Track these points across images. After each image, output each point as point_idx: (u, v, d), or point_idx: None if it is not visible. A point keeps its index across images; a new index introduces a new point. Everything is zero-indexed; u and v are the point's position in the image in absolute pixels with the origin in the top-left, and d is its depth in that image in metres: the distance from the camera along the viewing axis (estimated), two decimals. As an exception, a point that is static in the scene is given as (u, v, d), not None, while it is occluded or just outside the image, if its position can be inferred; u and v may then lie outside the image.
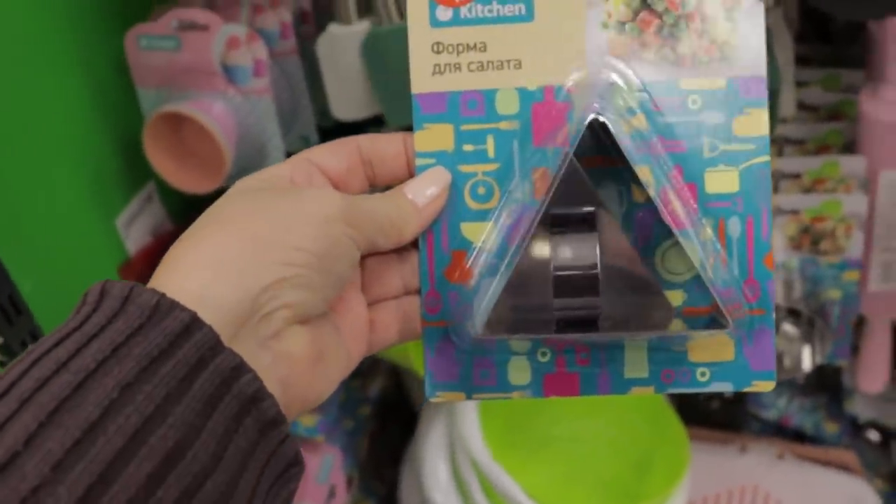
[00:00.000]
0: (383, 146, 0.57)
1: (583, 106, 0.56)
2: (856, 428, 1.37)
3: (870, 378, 1.20)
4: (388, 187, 0.57)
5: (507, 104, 0.57)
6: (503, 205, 0.57)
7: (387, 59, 0.96)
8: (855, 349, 1.20)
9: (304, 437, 1.22)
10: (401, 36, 0.94)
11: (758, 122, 0.55)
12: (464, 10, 0.57)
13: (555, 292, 0.56)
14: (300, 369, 0.51)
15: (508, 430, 1.17)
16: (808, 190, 1.07)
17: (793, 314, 1.11)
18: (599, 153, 0.57)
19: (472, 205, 0.57)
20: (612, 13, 0.56)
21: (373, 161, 0.57)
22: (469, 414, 1.14)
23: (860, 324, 1.17)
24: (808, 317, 1.11)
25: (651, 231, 0.57)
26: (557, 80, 0.56)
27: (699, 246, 0.55)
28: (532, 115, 0.56)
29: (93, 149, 1.04)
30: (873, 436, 1.37)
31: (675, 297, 0.58)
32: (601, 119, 0.55)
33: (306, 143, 1.05)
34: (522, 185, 0.56)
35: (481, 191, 0.57)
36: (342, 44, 0.97)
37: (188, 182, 1.01)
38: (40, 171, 0.96)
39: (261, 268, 0.48)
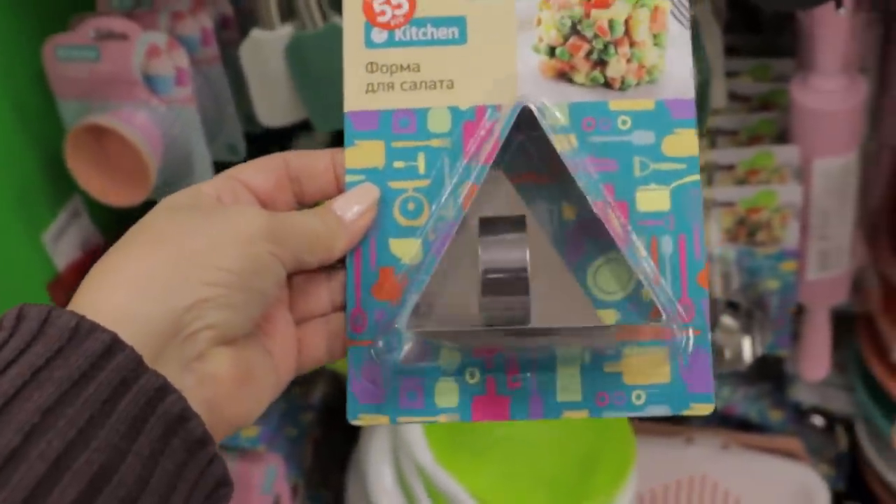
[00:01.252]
0: (311, 162, 0.56)
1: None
2: (800, 414, 1.38)
3: (812, 366, 1.20)
4: (316, 204, 0.56)
5: (439, 122, 0.57)
6: (431, 221, 0.56)
7: (311, 63, 0.95)
8: (795, 338, 1.20)
9: (245, 448, 1.20)
10: (325, 40, 0.94)
11: (687, 143, 0.56)
12: (398, 33, 0.57)
13: (483, 291, 0.54)
14: (225, 391, 0.50)
15: (452, 432, 1.16)
16: (742, 181, 1.07)
17: (731, 306, 1.12)
18: (529, 170, 0.57)
19: (402, 221, 0.56)
20: (543, 37, 0.57)
21: (301, 178, 0.56)
22: (412, 418, 1.13)
23: (799, 313, 1.18)
24: (746, 308, 1.12)
25: (582, 249, 0.57)
26: (489, 100, 0.57)
27: (636, 261, 0.55)
28: (463, 133, 0.56)
29: (14, 163, 1.01)
30: (818, 421, 1.38)
31: (609, 316, 0.57)
32: (530, 106, 0.55)
33: (233, 151, 1.03)
34: (451, 201, 0.56)
35: (411, 206, 0.56)
36: (266, 49, 0.96)
37: (113, 195, 0.99)
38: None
39: (184, 287, 0.47)
